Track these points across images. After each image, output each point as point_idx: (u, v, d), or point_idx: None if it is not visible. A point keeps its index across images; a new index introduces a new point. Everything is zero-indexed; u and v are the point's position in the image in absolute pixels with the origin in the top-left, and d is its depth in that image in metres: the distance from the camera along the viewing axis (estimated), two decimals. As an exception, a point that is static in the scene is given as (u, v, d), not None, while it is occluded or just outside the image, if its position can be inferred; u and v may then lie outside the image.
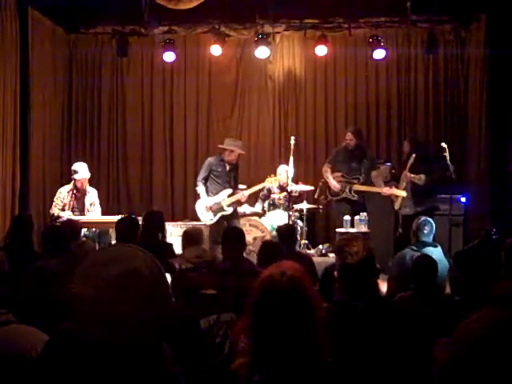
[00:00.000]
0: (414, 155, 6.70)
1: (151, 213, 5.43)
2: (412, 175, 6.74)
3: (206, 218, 7.41)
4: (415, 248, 4.99)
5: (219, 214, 7.36)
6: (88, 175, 7.18)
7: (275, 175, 7.83)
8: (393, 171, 7.75)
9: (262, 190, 8.15)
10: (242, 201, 7.63)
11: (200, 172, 7.51)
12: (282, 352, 1.68)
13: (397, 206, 6.92)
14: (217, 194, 7.38)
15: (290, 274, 1.78)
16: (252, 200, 8.43)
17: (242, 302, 3.39)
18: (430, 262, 3.89)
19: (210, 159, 7.51)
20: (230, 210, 7.38)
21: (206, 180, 7.40)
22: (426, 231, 5.10)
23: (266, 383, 1.69)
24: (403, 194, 6.78)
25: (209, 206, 7.39)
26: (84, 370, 1.34)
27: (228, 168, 7.38)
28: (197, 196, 7.74)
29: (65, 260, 3.70)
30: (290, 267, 1.78)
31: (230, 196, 7.37)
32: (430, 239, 5.12)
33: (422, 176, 6.70)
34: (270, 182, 7.67)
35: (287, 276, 1.76)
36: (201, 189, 7.42)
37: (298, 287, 1.77)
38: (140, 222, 5.15)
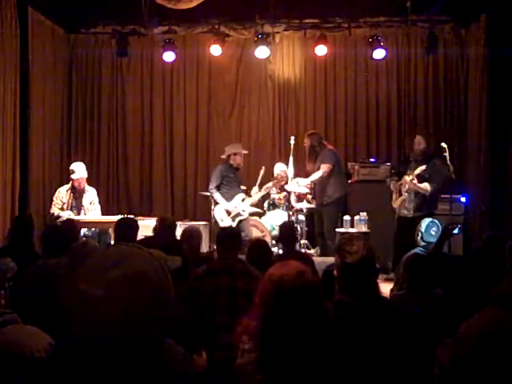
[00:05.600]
0: (423, 167, 6.41)
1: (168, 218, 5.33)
2: (418, 185, 6.51)
3: (227, 223, 7.41)
4: (424, 250, 4.98)
5: (237, 219, 7.44)
6: (85, 175, 7.16)
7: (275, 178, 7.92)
8: (392, 171, 7.72)
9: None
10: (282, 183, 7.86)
11: (212, 180, 7.55)
12: (290, 352, 1.67)
13: (395, 205, 6.82)
14: (230, 198, 7.45)
15: (305, 275, 1.77)
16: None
17: (236, 303, 3.40)
18: (421, 260, 3.90)
19: (220, 167, 7.59)
20: (246, 215, 7.50)
21: (218, 188, 7.47)
22: (433, 232, 5.12)
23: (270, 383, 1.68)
24: None
25: (231, 210, 7.43)
26: (92, 371, 1.34)
27: (236, 173, 7.58)
28: (197, 197, 7.73)
29: (66, 260, 3.69)
30: (296, 267, 1.77)
31: (243, 200, 7.49)
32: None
33: (428, 187, 6.52)
34: (274, 184, 7.81)
35: (302, 277, 1.76)
36: (217, 195, 7.45)
37: (312, 288, 1.76)
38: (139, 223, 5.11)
